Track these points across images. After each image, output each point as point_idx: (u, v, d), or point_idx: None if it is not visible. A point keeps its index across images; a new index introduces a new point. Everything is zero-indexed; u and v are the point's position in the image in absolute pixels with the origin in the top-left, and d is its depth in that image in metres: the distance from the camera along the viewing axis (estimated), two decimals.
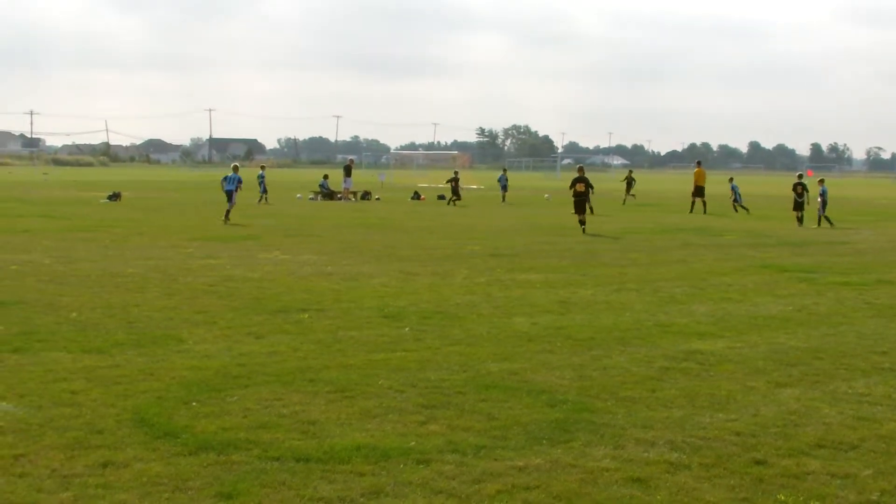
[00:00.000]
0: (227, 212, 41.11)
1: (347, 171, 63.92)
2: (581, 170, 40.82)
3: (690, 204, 54.38)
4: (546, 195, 57.41)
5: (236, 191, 42.08)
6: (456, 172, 63.90)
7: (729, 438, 10.20)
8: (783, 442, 10.11)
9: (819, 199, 44.90)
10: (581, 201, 38.92)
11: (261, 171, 58.27)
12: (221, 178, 44.63)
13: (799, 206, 45.76)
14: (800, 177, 48.20)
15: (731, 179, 57.73)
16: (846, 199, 72.31)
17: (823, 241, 35.74)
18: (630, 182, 64.99)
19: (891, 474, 9.16)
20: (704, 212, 52.68)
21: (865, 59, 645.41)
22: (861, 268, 26.53)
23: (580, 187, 39.00)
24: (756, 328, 16.85)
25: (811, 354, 14.64)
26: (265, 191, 56.41)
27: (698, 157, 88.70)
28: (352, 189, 63.38)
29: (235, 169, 43.90)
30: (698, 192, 54.56)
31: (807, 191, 45.95)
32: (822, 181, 46.38)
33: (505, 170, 65.98)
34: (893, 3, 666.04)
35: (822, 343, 15.59)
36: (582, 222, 38.57)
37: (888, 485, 8.88)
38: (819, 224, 43.73)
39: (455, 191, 60.56)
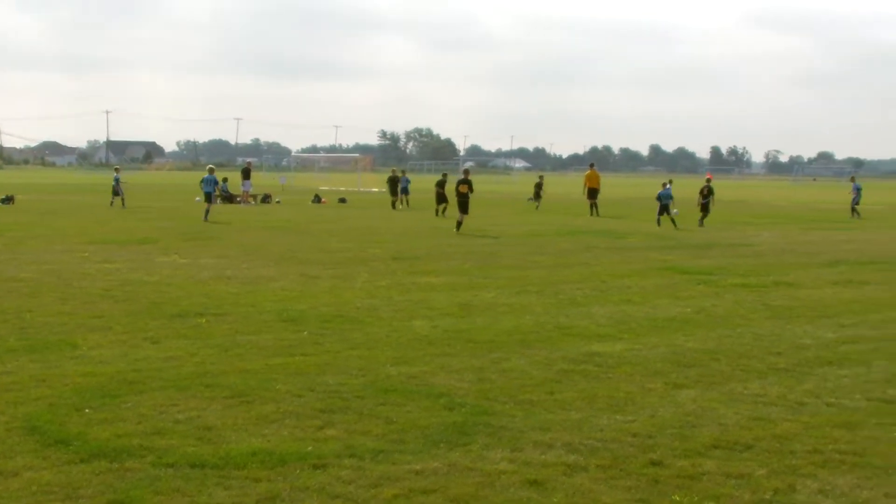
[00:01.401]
0: (207, 211, 43.80)
1: (246, 173, 63.16)
2: (466, 172, 42.38)
3: (589, 207, 54.52)
4: (674, 210, 58.17)
5: (214, 192, 44.79)
6: (393, 170, 62.79)
7: (626, 440, 10.25)
8: (679, 443, 10.18)
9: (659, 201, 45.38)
10: (463, 202, 40.26)
11: (116, 174, 57.37)
12: (199, 181, 46.88)
13: (703, 208, 47.12)
14: (708, 181, 49.32)
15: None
16: (745, 201, 73.22)
17: (724, 244, 36.09)
18: (539, 188, 64.06)
19: (784, 473, 9.25)
20: (593, 214, 53.11)
21: (766, 63, 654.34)
22: (759, 270, 26.85)
23: (463, 188, 40.38)
24: (655, 330, 16.97)
25: (709, 356, 14.78)
26: (117, 193, 55.27)
27: (601, 160, 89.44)
28: (251, 192, 62.80)
29: (211, 171, 45.76)
30: (591, 194, 54.84)
31: (712, 193, 47.05)
32: (664, 184, 46.73)
33: (403, 171, 64.84)
34: (796, 9, 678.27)
35: (720, 344, 15.74)
36: (460, 223, 39.77)
37: (782, 484, 8.96)
38: (658, 224, 44.32)
39: (394, 190, 59.60)
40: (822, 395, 12.51)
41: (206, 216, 43.62)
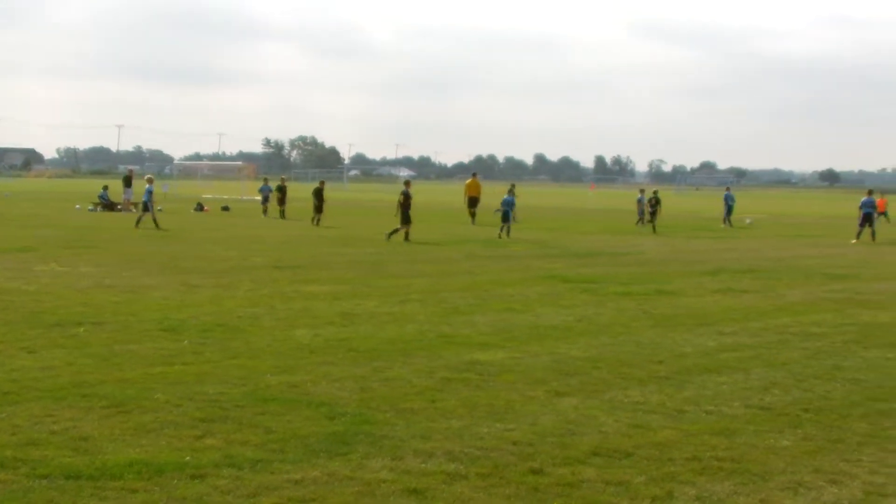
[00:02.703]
0: (139, 219, 45.15)
1: (127, 181, 62.65)
2: (407, 183, 42.88)
3: (470, 216, 54.81)
4: (748, 219, 59.21)
5: (150, 201, 45.43)
6: (283, 179, 61.89)
7: (507, 448, 10.24)
8: (560, 451, 10.20)
9: (501, 210, 45.29)
10: (402, 212, 40.96)
11: None
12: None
13: (651, 216, 51.97)
14: (655, 192, 53.49)
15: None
16: (629, 210, 73.81)
17: (608, 252, 36.47)
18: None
19: (663, 481, 9.31)
20: (474, 222, 53.35)
21: (652, 73, 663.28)
22: (642, 278, 27.12)
23: (400, 199, 41.24)
24: (537, 338, 17.02)
25: (590, 364, 14.85)
26: None
27: (486, 169, 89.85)
28: (133, 200, 61.92)
29: (150, 181, 46.84)
30: (472, 202, 55.18)
31: (659, 204, 51.48)
32: (510, 190, 46.93)
33: (266, 179, 63.58)
34: (682, 21, 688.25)
35: (602, 352, 15.83)
36: (395, 231, 40.55)
37: (660, 491, 9.02)
38: (500, 235, 43.67)
39: (281, 200, 58.09)
40: (701, 402, 12.63)
41: (137, 223, 44.76)
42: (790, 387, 13.69)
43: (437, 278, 26.02)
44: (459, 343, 16.35)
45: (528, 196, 52.76)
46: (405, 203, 40.98)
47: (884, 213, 67.30)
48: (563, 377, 13.86)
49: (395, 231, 40.50)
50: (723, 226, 57.36)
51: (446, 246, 37.96)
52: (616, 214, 71.08)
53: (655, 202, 52.75)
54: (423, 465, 9.57)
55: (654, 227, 51.42)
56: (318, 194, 50.91)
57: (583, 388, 13.28)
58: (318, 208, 50.33)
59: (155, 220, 44.55)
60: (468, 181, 57.61)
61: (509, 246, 38.48)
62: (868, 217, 46.89)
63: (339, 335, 16.74)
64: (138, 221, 44.96)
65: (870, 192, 48.85)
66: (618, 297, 22.87)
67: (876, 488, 9.37)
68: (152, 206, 45.27)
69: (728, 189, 62.70)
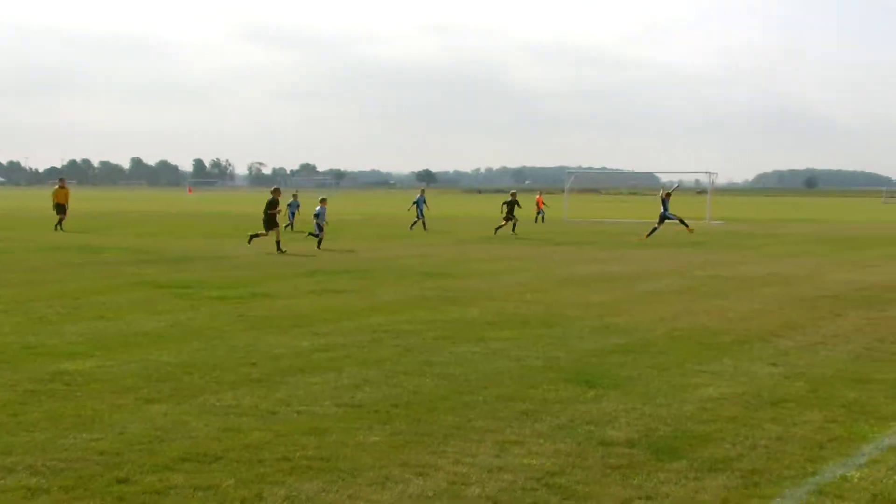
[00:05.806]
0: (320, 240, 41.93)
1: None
2: (514, 194, 52.71)
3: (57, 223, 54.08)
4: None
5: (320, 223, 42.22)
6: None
7: (92, 458, 9.94)
8: (148, 458, 9.99)
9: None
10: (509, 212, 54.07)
11: None
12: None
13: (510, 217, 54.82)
14: (513, 194, 56.24)
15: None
16: (231, 215, 73.66)
17: (203, 257, 36.12)
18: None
19: (253, 482, 9.26)
20: (57, 229, 52.62)
21: (252, 77, 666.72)
22: (237, 282, 27.00)
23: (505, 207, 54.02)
24: (128, 346, 16.65)
25: (182, 369, 14.64)
26: None
27: (80, 174, 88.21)
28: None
29: (323, 202, 43.85)
30: (59, 209, 55.06)
31: (518, 206, 54.93)
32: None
33: None
34: (284, 25, 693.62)
35: (194, 357, 15.65)
36: (500, 227, 50.88)
37: (249, 493, 8.96)
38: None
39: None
40: (293, 403, 12.65)
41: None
42: (381, 383, 13.90)
43: (25, 287, 25.10)
44: (45, 353, 15.80)
45: (121, 202, 51.82)
46: (511, 204, 53.62)
47: (540, 212, 70.82)
48: (153, 384, 13.61)
49: (500, 227, 53.04)
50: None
51: (34, 253, 36.70)
52: (214, 218, 70.57)
53: (512, 205, 54.76)
54: (2, 482, 9.16)
55: (513, 228, 54.70)
56: (273, 205, 41.19)
57: (174, 394, 13.07)
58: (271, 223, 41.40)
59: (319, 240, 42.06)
60: (56, 188, 57.12)
61: (103, 252, 37.60)
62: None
63: None
64: (319, 242, 42.00)
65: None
66: (212, 301, 22.70)
67: (459, 478, 9.60)
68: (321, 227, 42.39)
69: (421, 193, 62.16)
